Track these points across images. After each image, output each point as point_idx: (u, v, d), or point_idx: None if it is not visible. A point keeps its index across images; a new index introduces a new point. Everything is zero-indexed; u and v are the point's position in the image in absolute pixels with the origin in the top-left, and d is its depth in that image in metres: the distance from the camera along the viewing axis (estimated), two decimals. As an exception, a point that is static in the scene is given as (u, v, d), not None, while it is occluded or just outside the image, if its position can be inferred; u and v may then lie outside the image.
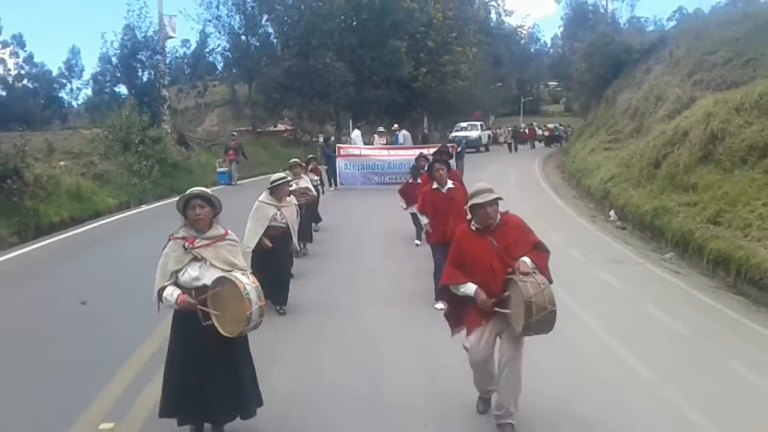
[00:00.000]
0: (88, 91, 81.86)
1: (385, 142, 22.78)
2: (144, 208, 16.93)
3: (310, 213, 11.27)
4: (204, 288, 4.16)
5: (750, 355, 6.26)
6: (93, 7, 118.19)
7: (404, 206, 11.17)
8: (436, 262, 7.88)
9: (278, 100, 34.06)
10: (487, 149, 40.51)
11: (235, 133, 23.68)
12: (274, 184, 7.72)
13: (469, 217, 4.80)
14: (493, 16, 71.90)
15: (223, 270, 4.19)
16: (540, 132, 49.64)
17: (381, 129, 24.08)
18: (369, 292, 8.57)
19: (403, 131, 25.51)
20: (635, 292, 8.48)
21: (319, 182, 13.32)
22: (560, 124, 52.38)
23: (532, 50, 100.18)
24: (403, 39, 38.24)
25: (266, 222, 7.53)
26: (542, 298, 4.25)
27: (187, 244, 4.21)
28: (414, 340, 6.63)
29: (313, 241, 11.39)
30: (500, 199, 4.59)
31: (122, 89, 27.18)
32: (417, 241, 11.23)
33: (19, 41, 77.14)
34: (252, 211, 7.66)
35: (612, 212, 14.57)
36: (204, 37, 46.52)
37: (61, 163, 17.00)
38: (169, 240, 4.30)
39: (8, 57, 75.96)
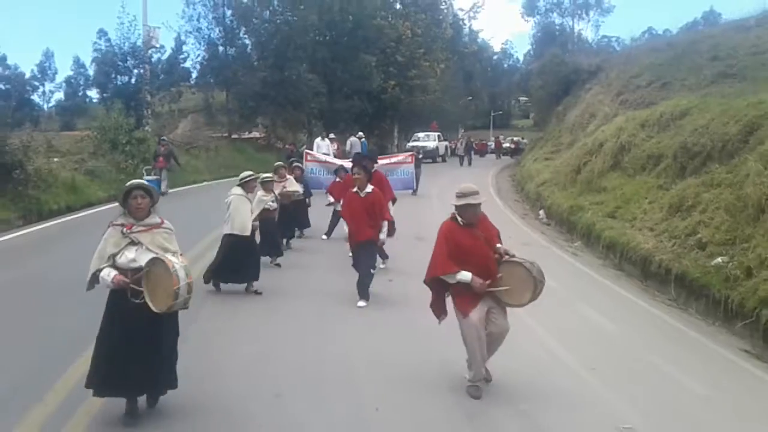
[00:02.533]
0: (60, 95, 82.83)
1: (336, 147, 23.64)
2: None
3: (300, 220, 12.35)
4: (139, 269, 4.51)
5: (601, 305, 8.55)
6: (67, 11, 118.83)
7: (331, 201, 12.46)
8: (355, 261, 8.38)
9: (253, 108, 35.93)
10: (444, 160, 41.00)
11: (165, 138, 21.71)
12: (244, 180, 8.52)
13: (453, 212, 5.43)
14: (467, 31, 74.96)
15: (156, 254, 4.55)
16: (507, 145, 52.50)
17: (332, 135, 24.99)
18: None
19: (352, 138, 26.74)
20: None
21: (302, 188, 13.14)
22: (522, 138, 55.12)
23: (506, 66, 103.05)
24: (373, 53, 40.38)
25: (249, 212, 8.44)
26: (540, 274, 5.20)
27: (125, 229, 4.59)
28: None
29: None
30: (481, 201, 5.34)
31: (94, 93, 28.80)
32: (324, 236, 12.50)
33: None
34: (231, 203, 8.35)
35: (541, 211, 16.89)
36: (179, 44, 48.26)
37: (55, 160, 18.77)
38: (109, 226, 4.70)
39: (-19, 58, 76.81)
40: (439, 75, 49.19)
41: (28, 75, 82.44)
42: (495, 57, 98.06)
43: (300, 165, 14.58)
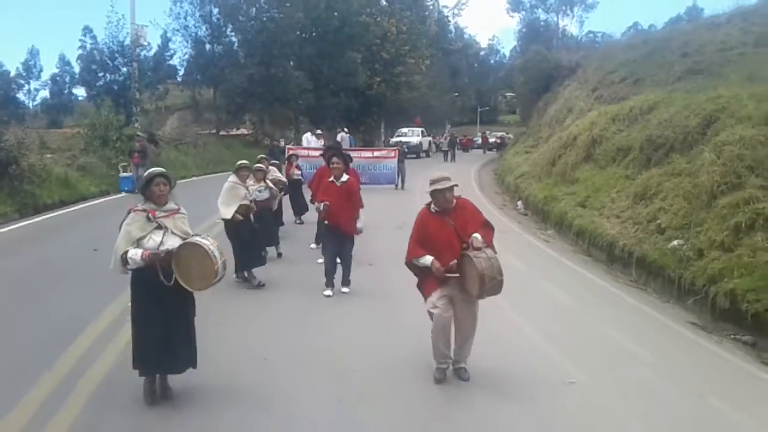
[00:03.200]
0: (46, 93, 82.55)
1: (323, 143, 24.12)
2: (121, 195, 19.31)
3: (296, 203, 13.63)
4: (168, 252, 4.70)
5: (564, 284, 9.25)
6: (52, 8, 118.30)
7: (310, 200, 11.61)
8: (324, 245, 8.83)
9: (241, 105, 36.45)
10: (428, 155, 41.60)
11: (141, 134, 21.20)
12: (236, 168, 8.90)
13: (429, 200, 5.60)
14: (452, 28, 75.67)
15: (180, 237, 4.82)
16: (493, 140, 53.26)
17: (318, 131, 25.15)
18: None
19: (341, 133, 27.37)
20: (506, 250, 11.29)
21: (301, 176, 14.31)
22: (507, 133, 55.84)
23: (492, 62, 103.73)
24: (359, 50, 40.98)
25: (238, 200, 8.62)
26: (493, 270, 5.12)
27: (150, 215, 4.83)
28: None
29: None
30: (456, 185, 5.47)
31: (81, 91, 29.11)
32: (312, 245, 11.22)
33: None
34: (225, 189, 8.70)
35: (519, 202, 17.62)
36: (165, 41, 48.57)
37: (48, 156, 19.24)
38: (130, 212, 4.90)
39: (-35, 56, 76.73)
40: (425, 71, 49.85)
41: (13, 73, 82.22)
42: (482, 53, 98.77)
43: (296, 155, 15.92)
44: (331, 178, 8.48)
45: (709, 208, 9.55)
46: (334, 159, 8.52)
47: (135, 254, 4.67)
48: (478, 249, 5.20)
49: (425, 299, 5.64)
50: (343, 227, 8.44)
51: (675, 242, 9.66)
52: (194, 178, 24.64)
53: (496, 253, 5.32)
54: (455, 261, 5.31)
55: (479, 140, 55.72)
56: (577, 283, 9.70)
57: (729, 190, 9.39)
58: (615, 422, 5.01)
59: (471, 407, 5.16)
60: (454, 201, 5.49)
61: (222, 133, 37.63)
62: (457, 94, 75.47)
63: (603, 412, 5.17)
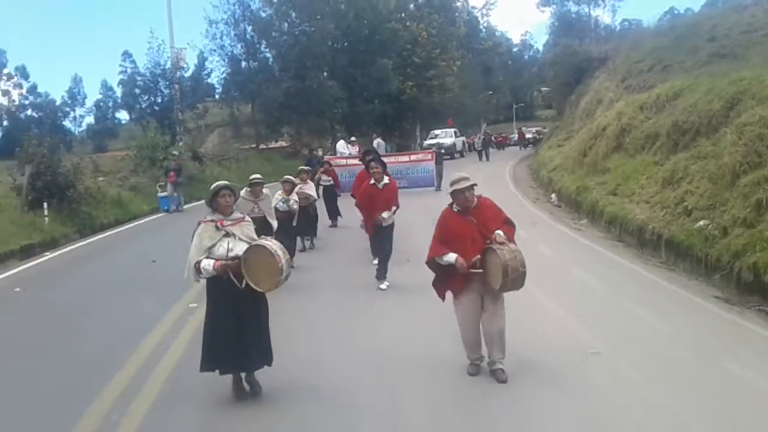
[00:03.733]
0: (91, 119, 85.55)
1: (357, 150, 23.72)
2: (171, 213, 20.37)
3: (329, 209, 14.69)
4: (236, 258, 5.00)
5: (593, 268, 9.66)
6: (94, 36, 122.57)
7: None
8: (373, 247, 9.46)
9: (278, 118, 37.53)
10: (462, 155, 41.65)
11: (176, 153, 21.76)
12: (251, 181, 9.09)
13: (450, 201, 5.78)
14: (483, 27, 75.92)
15: (247, 242, 5.11)
16: (529, 136, 53.26)
17: (352, 138, 25.70)
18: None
19: (378, 139, 28.03)
20: (536, 240, 11.72)
21: (331, 182, 15.22)
22: (544, 128, 55.69)
23: (526, 57, 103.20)
24: (390, 57, 41.70)
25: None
26: (516, 262, 5.28)
27: (218, 224, 5.17)
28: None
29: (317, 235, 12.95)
30: (475, 185, 5.65)
31: (123, 114, 30.48)
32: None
33: (22, 73, 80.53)
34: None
35: (553, 195, 17.94)
36: (201, 60, 50.06)
37: (101, 179, 20.41)
38: (200, 223, 5.23)
39: (12, 88, 79.16)
40: (456, 72, 50.24)
41: (58, 102, 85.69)
42: (515, 49, 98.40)
43: (330, 162, 16.60)
44: (372, 181, 9.00)
45: (733, 188, 9.81)
46: (373, 164, 9.09)
47: (208, 264, 4.97)
48: (501, 243, 5.39)
49: (441, 297, 5.94)
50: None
51: (701, 222, 9.95)
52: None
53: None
54: (478, 256, 5.48)
55: (515, 137, 55.62)
56: (606, 267, 10.09)
57: (751, 169, 9.64)
58: (635, 389, 5.42)
59: (506, 391, 5.42)
60: (475, 200, 5.67)
61: (261, 146, 38.73)
62: (491, 92, 75.56)
63: (623, 380, 5.60)
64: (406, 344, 6.65)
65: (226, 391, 5.38)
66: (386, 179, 9.09)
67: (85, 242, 15.08)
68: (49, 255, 13.44)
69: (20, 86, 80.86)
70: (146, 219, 18.99)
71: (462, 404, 5.23)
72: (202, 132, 37.73)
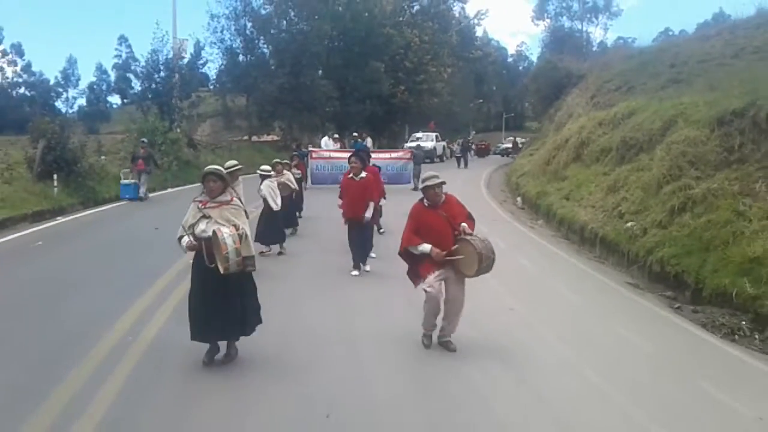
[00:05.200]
0: (83, 101, 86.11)
1: (339, 145, 25.37)
2: (167, 191, 21.83)
3: (294, 202, 14.26)
4: (209, 238, 5.42)
5: (534, 257, 11.36)
6: (90, 20, 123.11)
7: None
8: (349, 236, 9.87)
9: (271, 112, 39.07)
10: (441, 160, 41.38)
11: (145, 141, 20.87)
12: (228, 170, 9.36)
13: (421, 196, 6.43)
14: (479, 35, 77.80)
15: (223, 226, 5.41)
16: (506, 146, 55.30)
17: (336, 135, 26.82)
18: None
19: (368, 138, 29.49)
20: (495, 232, 13.33)
21: (301, 176, 15.93)
22: (526, 138, 57.59)
23: (521, 68, 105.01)
24: (382, 60, 43.38)
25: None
26: (487, 250, 5.94)
27: (200, 205, 5.59)
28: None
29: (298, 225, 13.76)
30: (444, 183, 6.29)
31: (116, 99, 31.53)
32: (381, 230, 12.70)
33: (18, 50, 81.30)
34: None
35: (519, 198, 19.67)
36: (198, 50, 51.37)
37: (102, 158, 21.85)
38: (192, 202, 5.70)
39: (6, 65, 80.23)
40: (447, 79, 52.01)
41: (52, 82, 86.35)
42: (510, 59, 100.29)
43: (298, 155, 17.49)
44: (351, 175, 9.80)
45: (656, 196, 11.57)
46: (353, 158, 10.05)
47: (184, 241, 5.59)
48: (471, 234, 6.04)
49: (416, 284, 6.47)
50: (355, 215, 9.66)
51: (628, 224, 11.69)
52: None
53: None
54: (457, 246, 6.08)
55: (502, 146, 57.09)
56: (545, 257, 11.83)
57: (672, 180, 11.40)
58: (539, 334, 7.11)
59: (459, 361, 6.17)
60: (443, 196, 6.33)
61: (254, 138, 40.22)
62: (481, 100, 77.51)
63: (531, 329, 7.28)
64: (375, 322, 7.32)
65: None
66: (364, 174, 9.79)
67: (89, 212, 16.55)
68: (60, 219, 14.95)
69: (15, 63, 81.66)
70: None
71: (421, 375, 5.87)
72: (194, 121, 38.71)
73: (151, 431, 4.69)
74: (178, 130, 27.64)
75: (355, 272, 9.71)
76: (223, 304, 5.56)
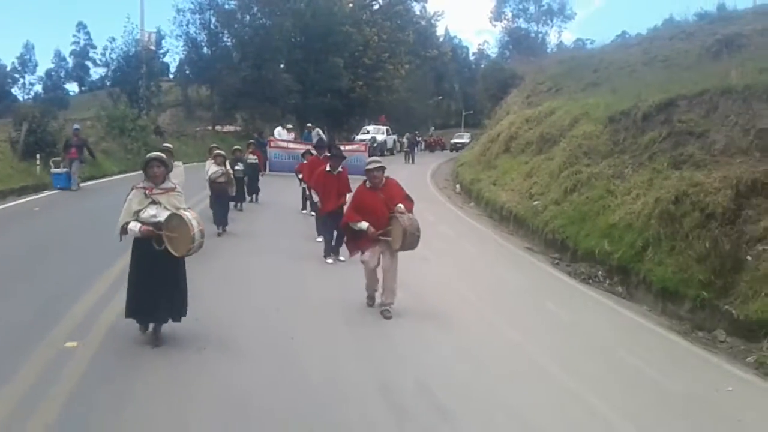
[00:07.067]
0: (39, 88, 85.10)
1: (293, 137, 26.61)
2: (137, 173, 23.57)
3: (251, 185, 16.11)
4: (158, 223, 5.52)
5: (457, 229, 13.73)
6: (48, 6, 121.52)
7: (301, 178, 14.05)
8: (321, 227, 10.44)
9: (234, 103, 40.75)
10: (392, 153, 41.79)
11: (78, 127, 19.68)
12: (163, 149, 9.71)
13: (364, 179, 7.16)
14: (441, 34, 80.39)
15: (172, 211, 5.58)
16: (456, 141, 57.67)
17: (289, 126, 28.21)
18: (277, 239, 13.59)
19: (317, 129, 30.73)
20: (428, 211, 15.65)
21: (257, 161, 16.80)
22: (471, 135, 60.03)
23: (482, 66, 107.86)
24: (342, 56, 45.36)
25: None
26: (412, 228, 6.66)
27: (147, 192, 5.64)
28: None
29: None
30: (384, 167, 7.08)
31: (73, 86, 32.34)
32: (303, 210, 14.51)
33: None
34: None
35: (457, 186, 22.08)
36: (159, 39, 52.44)
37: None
38: (132, 189, 5.73)
39: (-39, 50, 78.67)
40: (405, 76, 54.35)
41: (9, 67, 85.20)
42: (473, 57, 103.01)
43: (254, 142, 18.72)
44: (328, 168, 10.13)
45: (556, 180, 14.03)
46: (334, 158, 10.39)
47: (134, 226, 5.54)
48: (402, 213, 6.79)
49: (351, 254, 7.48)
50: (335, 207, 9.85)
51: (535, 203, 14.15)
52: (195, 163, 28.84)
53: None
54: (390, 228, 6.86)
55: (454, 140, 59.36)
56: (465, 228, 14.36)
57: (569, 167, 13.87)
58: (447, 278, 9.43)
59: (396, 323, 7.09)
60: (384, 180, 7.11)
61: (217, 128, 41.87)
62: (441, 97, 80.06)
63: (440, 276, 9.59)
64: (323, 296, 7.94)
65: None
66: (339, 168, 10.18)
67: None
68: (46, 193, 16.69)
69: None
70: (116, 177, 22.16)
71: (354, 337, 6.56)
72: (154, 110, 39.58)
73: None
74: (146, 118, 29.27)
75: (330, 260, 9.96)
76: (167, 284, 5.70)
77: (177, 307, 5.79)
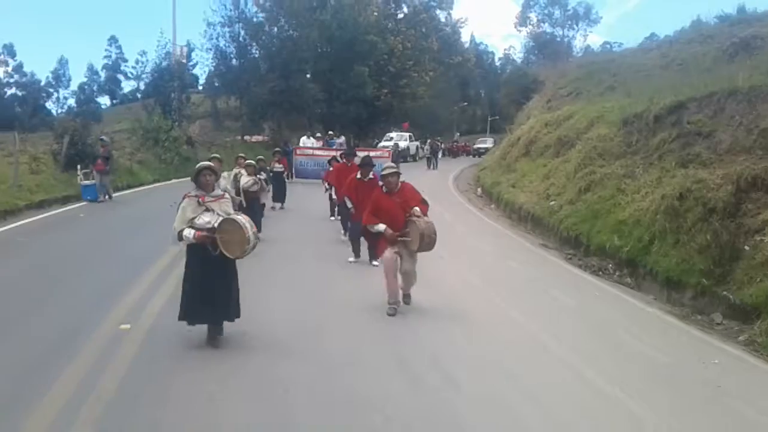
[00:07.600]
0: (72, 101, 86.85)
1: (321, 144, 27.45)
2: (170, 182, 24.65)
3: (278, 193, 16.41)
4: (213, 229, 5.74)
5: (473, 228, 14.36)
6: (82, 21, 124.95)
7: (327, 187, 14.17)
8: (352, 234, 10.31)
9: (262, 113, 41.86)
10: (414, 159, 41.85)
11: (104, 139, 20.17)
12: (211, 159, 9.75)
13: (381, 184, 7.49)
14: (466, 38, 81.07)
15: (224, 216, 5.82)
16: (478, 146, 58.05)
17: (318, 134, 29.25)
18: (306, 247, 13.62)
19: (342, 138, 31.52)
20: (449, 213, 16.31)
21: (284, 169, 17.61)
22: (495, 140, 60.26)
23: (508, 71, 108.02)
24: (367, 65, 46.26)
25: None
26: (429, 230, 6.87)
27: (200, 200, 5.87)
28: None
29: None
30: (399, 173, 7.34)
31: (105, 99, 33.72)
32: (332, 217, 14.34)
33: (9, 51, 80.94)
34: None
35: (479, 189, 22.66)
36: (188, 52, 53.89)
37: (114, 152, 24.60)
38: (185, 198, 5.93)
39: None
40: (430, 83, 55.03)
41: (43, 82, 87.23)
42: (498, 63, 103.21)
43: (280, 151, 19.08)
44: (359, 176, 10.34)
45: (572, 180, 14.58)
46: (365, 167, 10.44)
47: (189, 233, 5.73)
48: (418, 216, 7.01)
49: (378, 255, 7.81)
50: None
51: (551, 203, 14.71)
52: (225, 173, 29.82)
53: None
54: (408, 230, 7.09)
55: (477, 146, 59.45)
56: (484, 228, 14.97)
57: (583, 168, 14.41)
58: (461, 270, 10.07)
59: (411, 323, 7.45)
60: (399, 184, 7.37)
61: (246, 137, 43.01)
62: (465, 103, 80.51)
63: (453, 270, 10.20)
64: (347, 295, 8.16)
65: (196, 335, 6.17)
66: (371, 174, 10.27)
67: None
68: (85, 203, 17.68)
69: (6, 64, 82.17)
70: (151, 186, 23.21)
71: (380, 334, 6.71)
72: (186, 120, 40.68)
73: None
74: (178, 129, 30.38)
75: (353, 258, 10.27)
76: (216, 290, 5.89)
77: (232, 309, 6.03)
